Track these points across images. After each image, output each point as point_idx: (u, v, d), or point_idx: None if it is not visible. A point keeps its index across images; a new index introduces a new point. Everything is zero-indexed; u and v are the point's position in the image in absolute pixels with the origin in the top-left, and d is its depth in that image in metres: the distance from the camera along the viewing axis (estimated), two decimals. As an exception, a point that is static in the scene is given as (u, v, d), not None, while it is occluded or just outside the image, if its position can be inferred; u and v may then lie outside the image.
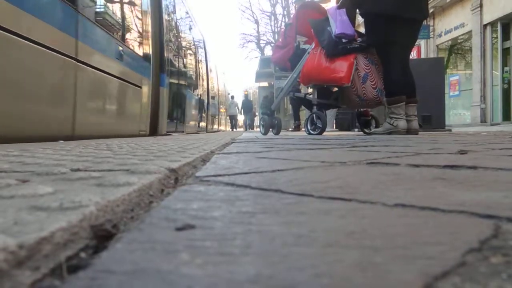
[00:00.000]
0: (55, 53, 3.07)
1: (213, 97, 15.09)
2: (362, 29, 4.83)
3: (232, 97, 23.36)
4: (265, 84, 20.13)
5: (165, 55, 6.55)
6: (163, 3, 6.60)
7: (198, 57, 11.39)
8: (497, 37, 11.20)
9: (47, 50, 2.97)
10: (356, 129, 7.58)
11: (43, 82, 3.02)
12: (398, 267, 0.30)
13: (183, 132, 8.08)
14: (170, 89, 7.04)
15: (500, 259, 0.32)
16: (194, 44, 10.66)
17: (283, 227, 0.42)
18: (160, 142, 2.52)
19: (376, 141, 2.43)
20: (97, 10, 4.11)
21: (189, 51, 9.82)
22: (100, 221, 0.44)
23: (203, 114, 11.70)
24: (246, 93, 25.88)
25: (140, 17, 5.48)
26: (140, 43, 5.52)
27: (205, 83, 12.58)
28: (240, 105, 22.86)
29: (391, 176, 0.80)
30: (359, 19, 5.26)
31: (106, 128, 4.20)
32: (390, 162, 1.09)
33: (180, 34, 8.63)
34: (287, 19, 25.27)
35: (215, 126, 16.74)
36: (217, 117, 17.63)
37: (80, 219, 0.40)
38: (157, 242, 0.37)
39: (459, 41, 13.19)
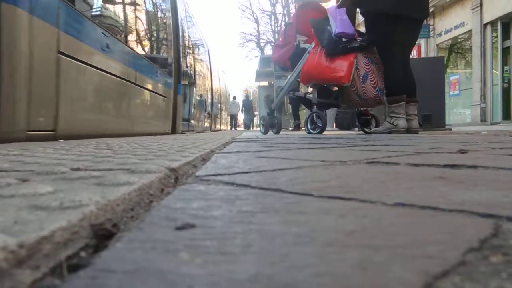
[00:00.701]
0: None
1: (215, 99, 16.53)
2: (362, 29, 4.83)
3: (234, 98, 24.17)
4: (265, 83, 20.13)
5: (181, 68, 8.14)
6: (180, 33, 8.15)
7: (204, 66, 13.05)
8: (497, 37, 11.20)
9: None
10: (356, 129, 7.58)
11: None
12: (398, 267, 0.30)
13: (193, 131, 9.51)
14: (184, 96, 8.44)
15: (500, 258, 0.32)
16: (200, 55, 12.28)
17: (283, 227, 0.42)
18: (160, 141, 2.52)
19: (376, 140, 2.43)
20: (159, 57, 6.73)
21: (197, 62, 11.35)
22: (100, 220, 0.44)
23: (208, 115, 13.52)
24: (246, 92, 25.98)
25: (168, 49, 7.43)
26: (170, 66, 7.33)
27: (209, 88, 14.26)
28: (240, 105, 23.54)
29: (391, 176, 0.80)
30: (359, 18, 5.26)
31: (150, 129, 5.91)
32: (390, 162, 1.09)
33: (192, 50, 10.47)
34: (287, 19, 25.28)
35: (218, 126, 18.20)
36: (219, 116, 18.99)
37: (80, 219, 0.40)
38: (157, 241, 0.37)
39: (459, 40, 13.19)
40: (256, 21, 29.61)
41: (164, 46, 7.18)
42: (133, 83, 4.95)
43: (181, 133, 7.78)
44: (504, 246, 0.35)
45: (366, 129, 4.84)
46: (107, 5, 4.54)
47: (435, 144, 1.89)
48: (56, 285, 0.30)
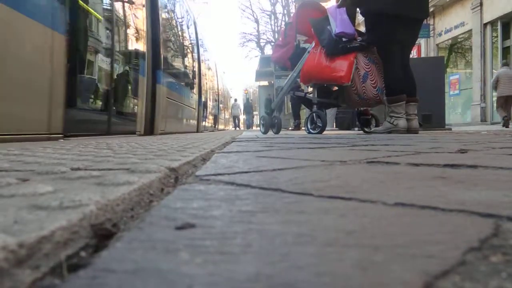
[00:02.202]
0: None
1: (218, 101, 18.61)
2: (362, 28, 4.83)
3: (235, 100, 27.16)
4: (265, 83, 20.15)
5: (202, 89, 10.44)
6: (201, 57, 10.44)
7: (210, 76, 15.18)
8: (497, 36, 11.20)
9: None
10: (356, 128, 7.58)
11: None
12: (398, 266, 0.30)
13: (206, 130, 10.96)
14: (203, 107, 10.76)
15: (500, 258, 0.32)
16: (209, 68, 14.33)
17: (283, 226, 0.42)
18: (160, 141, 2.52)
19: (376, 140, 2.43)
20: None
21: (207, 75, 13.43)
22: (100, 220, 0.44)
23: (215, 117, 16.06)
24: (246, 92, 26.26)
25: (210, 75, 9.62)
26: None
27: (215, 95, 16.60)
28: (242, 107, 26.02)
29: (391, 175, 0.80)
30: (359, 18, 5.26)
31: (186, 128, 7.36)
32: (390, 161, 1.09)
33: (207, 69, 12.85)
34: (287, 18, 25.27)
35: (221, 126, 20.10)
36: (220, 117, 20.70)
37: (80, 218, 0.40)
38: (157, 241, 0.37)
39: (459, 40, 13.19)
40: (256, 21, 29.62)
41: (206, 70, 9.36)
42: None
43: (202, 131, 8.80)
44: (504, 246, 0.35)
45: (366, 129, 4.84)
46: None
47: (435, 143, 1.89)
48: (56, 285, 0.30)
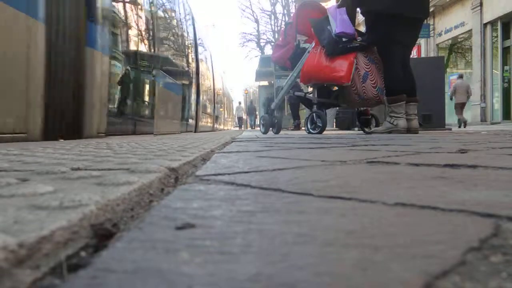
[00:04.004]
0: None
1: (219, 103, 19.54)
2: (362, 28, 4.83)
3: (239, 103, 30.19)
4: (265, 83, 20.16)
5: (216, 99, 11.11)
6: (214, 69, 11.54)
7: (214, 83, 15.90)
8: (497, 36, 11.20)
9: None
10: (356, 128, 7.58)
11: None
12: (398, 266, 0.30)
13: (213, 130, 11.69)
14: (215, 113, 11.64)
15: (500, 258, 0.32)
16: (214, 77, 15.13)
17: (283, 226, 0.42)
18: (160, 141, 2.52)
19: (376, 140, 2.43)
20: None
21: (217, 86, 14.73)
22: (100, 220, 0.44)
23: (218, 119, 16.99)
24: (246, 92, 26.47)
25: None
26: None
27: (223, 101, 18.14)
28: (245, 109, 28.75)
29: (391, 175, 0.80)
30: (359, 18, 5.26)
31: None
32: (390, 161, 1.09)
33: (217, 86, 13.89)
34: (287, 18, 25.28)
35: (220, 126, 20.90)
36: (220, 116, 21.56)
37: (80, 218, 0.40)
38: (157, 241, 0.37)
39: (459, 40, 13.19)
40: (256, 21, 29.61)
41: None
42: None
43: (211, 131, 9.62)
44: (504, 246, 0.35)
45: (366, 129, 4.84)
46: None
47: (435, 143, 1.89)
48: (56, 285, 0.30)
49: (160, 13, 6.49)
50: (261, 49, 28.81)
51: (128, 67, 4.64)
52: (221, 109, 20.05)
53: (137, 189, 0.59)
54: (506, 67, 10.94)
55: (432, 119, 5.86)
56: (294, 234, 0.39)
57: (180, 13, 8.40)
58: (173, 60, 7.16)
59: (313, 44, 4.58)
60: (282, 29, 7.04)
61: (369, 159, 1.15)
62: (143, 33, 5.42)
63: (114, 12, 4.18)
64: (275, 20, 28.64)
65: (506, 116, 10.76)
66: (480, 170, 0.88)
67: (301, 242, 0.37)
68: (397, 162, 1.07)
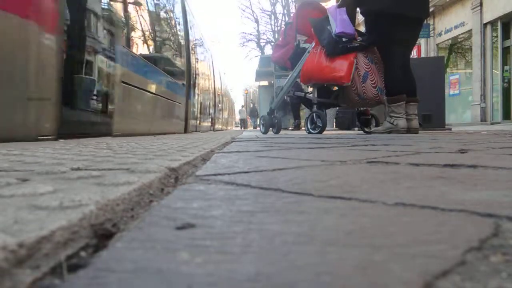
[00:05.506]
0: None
1: (220, 104, 20.05)
2: (362, 28, 4.83)
3: (242, 106, 33.58)
4: (265, 83, 20.16)
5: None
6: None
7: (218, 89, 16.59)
8: (497, 36, 11.19)
9: None
10: (356, 128, 7.58)
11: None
12: (398, 266, 0.30)
13: (219, 130, 12.20)
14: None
15: (500, 258, 0.32)
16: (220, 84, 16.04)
17: (283, 226, 0.42)
18: (160, 141, 2.52)
19: (376, 140, 2.43)
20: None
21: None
22: (100, 220, 0.44)
23: (217, 119, 16.98)
24: (246, 92, 26.53)
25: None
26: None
27: (222, 101, 18.29)
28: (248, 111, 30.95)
29: (391, 175, 0.80)
30: (359, 18, 5.26)
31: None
32: (390, 161, 1.09)
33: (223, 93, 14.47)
34: (287, 18, 25.27)
35: (219, 126, 21.13)
36: (218, 116, 21.32)
37: (80, 218, 0.40)
38: (157, 241, 0.37)
39: (459, 40, 13.19)
40: (256, 21, 29.59)
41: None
42: None
43: (216, 131, 9.69)
44: (504, 246, 0.35)
45: (366, 129, 4.84)
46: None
47: (435, 143, 1.89)
48: (56, 285, 0.30)
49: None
50: (261, 49, 28.80)
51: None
52: (220, 109, 19.94)
53: (137, 189, 0.59)
54: (506, 67, 10.94)
55: (432, 119, 5.86)
56: (294, 234, 0.39)
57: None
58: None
59: (313, 44, 4.58)
60: (282, 29, 7.04)
61: (369, 159, 1.15)
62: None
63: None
64: (275, 20, 28.65)
65: (506, 116, 10.76)
66: (480, 170, 0.88)
67: (301, 242, 0.37)
68: (397, 162, 1.07)
